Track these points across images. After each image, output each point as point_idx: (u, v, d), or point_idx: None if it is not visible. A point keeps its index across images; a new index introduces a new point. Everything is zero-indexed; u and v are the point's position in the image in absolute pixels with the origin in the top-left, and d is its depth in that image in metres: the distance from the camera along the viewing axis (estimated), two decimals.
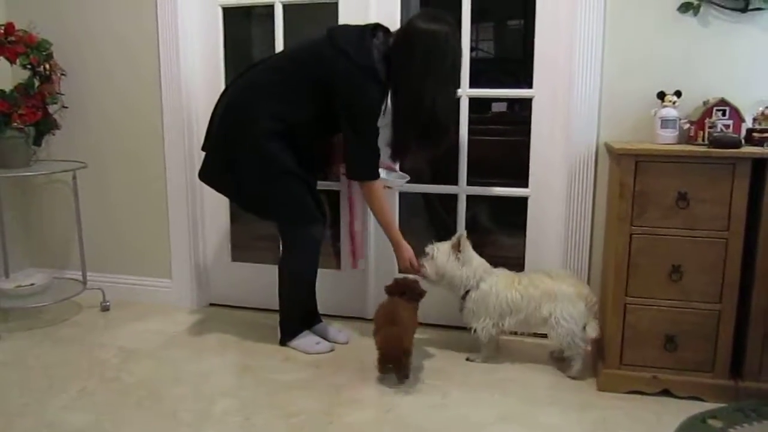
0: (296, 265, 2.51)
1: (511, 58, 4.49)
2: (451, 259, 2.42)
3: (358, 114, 2.29)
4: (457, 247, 2.42)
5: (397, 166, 2.64)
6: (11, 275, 3.13)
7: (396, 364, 2.28)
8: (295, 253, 2.49)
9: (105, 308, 3.05)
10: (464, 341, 2.59)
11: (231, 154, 2.37)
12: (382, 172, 2.49)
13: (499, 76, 4.23)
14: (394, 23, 2.55)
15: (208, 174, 2.50)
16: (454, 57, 2.30)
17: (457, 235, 2.44)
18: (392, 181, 2.61)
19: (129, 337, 2.75)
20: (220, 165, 2.41)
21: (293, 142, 2.35)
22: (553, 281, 2.35)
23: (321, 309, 2.73)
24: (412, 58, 2.25)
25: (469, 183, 2.76)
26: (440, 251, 2.45)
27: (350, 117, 2.29)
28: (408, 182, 2.69)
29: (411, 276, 2.49)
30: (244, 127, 2.33)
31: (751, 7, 2.31)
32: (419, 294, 2.45)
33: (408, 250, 2.47)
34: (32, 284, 2.97)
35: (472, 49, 2.72)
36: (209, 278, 3.13)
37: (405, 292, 2.43)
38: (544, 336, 2.55)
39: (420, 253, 2.48)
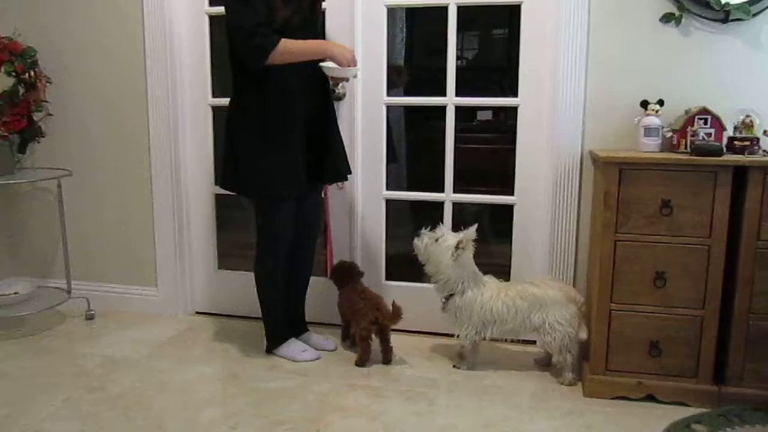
0: (265, 267, 2.51)
1: (497, 66, 4.53)
2: (449, 255, 2.38)
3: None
4: (461, 246, 2.38)
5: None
6: None
7: (383, 333, 2.50)
8: (264, 253, 2.49)
9: (90, 317, 3.03)
10: (451, 348, 2.60)
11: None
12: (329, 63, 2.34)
13: (485, 85, 4.27)
14: (380, 55, 2.57)
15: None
16: None
17: (466, 233, 2.39)
18: (344, 70, 2.35)
19: (114, 346, 2.73)
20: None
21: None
22: (540, 289, 2.36)
23: (307, 317, 2.72)
24: None
25: (456, 191, 2.77)
26: (445, 243, 2.39)
27: (225, 6, 2.25)
28: (356, 77, 2.52)
29: (347, 261, 2.67)
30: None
31: (731, 18, 2.35)
32: (360, 273, 2.65)
33: (339, 45, 2.39)
34: (15, 293, 2.94)
35: (457, 58, 2.74)
36: (195, 286, 3.11)
37: (351, 274, 2.62)
38: (530, 342, 2.57)
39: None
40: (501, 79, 2.71)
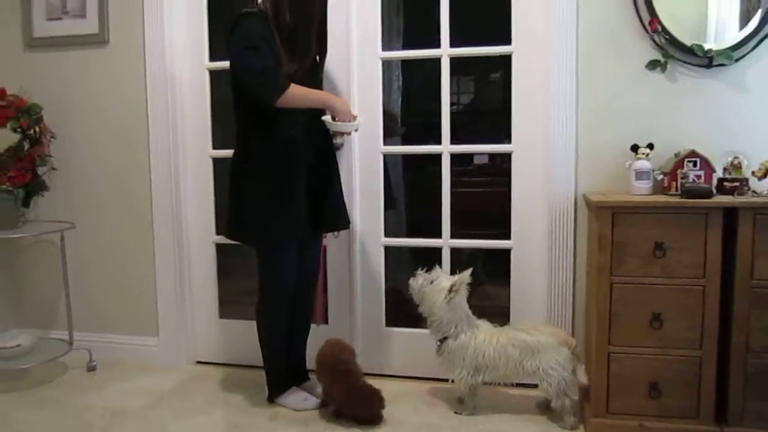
0: (267, 314, 2.53)
1: (493, 110, 4.61)
2: (442, 297, 2.41)
3: (233, 46, 2.30)
4: (454, 289, 2.41)
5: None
6: None
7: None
8: (266, 301, 2.52)
9: (91, 368, 3.04)
10: (451, 393, 2.60)
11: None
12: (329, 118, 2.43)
13: (481, 128, 4.35)
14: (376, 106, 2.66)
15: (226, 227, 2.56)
16: None
17: (460, 277, 2.42)
18: (346, 125, 2.45)
19: (115, 397, 2.73)
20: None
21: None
22: (531, 335, 2.36)
23: (308, 364, 2.73)
24: None
25: (454, 234, 2.81)
26: (439, 285, 2.42)
27: (231, 56, 2.31)
28: (356, 131, 2.60)
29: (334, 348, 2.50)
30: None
31: (715, 63, 2.42)
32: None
33: (340, 99, 2.50)
34: (18, 345, 2.95)
35: (453, 104, 2.80)
36: (196, 336, 3.13)
37: (337, 363, 2.45)
38: (531, 386, 2.57)
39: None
40: (497, 122, 2.77)
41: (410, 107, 4.22)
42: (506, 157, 2.76)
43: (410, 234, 3.90)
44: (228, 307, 3.14)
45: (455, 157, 2.80)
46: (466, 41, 2.76)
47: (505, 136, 2.74)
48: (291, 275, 2.48)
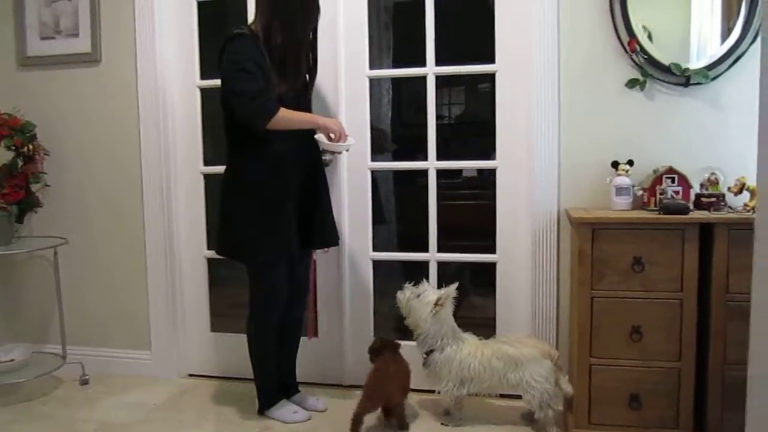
0: (258, 328, 2.58)
1: (480, 120, 4.66)
2: (428, 310, 2.46)
3: (224, 68, 2.37)
4: (440, 303, 2.46)
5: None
6: None
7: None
8: (256, 315, 2.57)
9: (84, 382, 3.07)
10: (438, 405, 2.65)
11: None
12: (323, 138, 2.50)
13: (469, 138, 4.41)
14: (364, 124, 2.71)
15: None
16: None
17: (446, 291, 2.47)
18: (338, 145, 2.51)
19: (108, 411, 2.77)
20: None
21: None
22: (514, 348, 2.42)
23: (298, 377, 2.78)
24: (262, 8, 2.42)
25: (443, 246, 2.87)
26: (426, 298, 2.48)
27: (222, 78, 2.38)
28: (348, 151, 2.66)
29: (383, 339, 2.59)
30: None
31: (692, 82, 2.50)
32: (396, 345, 2.57)
33: (331, 119, 2.57)
34: (12, 360, 2.99)
35: (440, 118, 2.85)
36: (188, 349, 3.17)
37: (387, 346, 2.54)
38: (516, 397, 2.62)
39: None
40: (487, 133, 2.82)
41: (400, 120, 4.28)
42: (494, 171, 2.82)
43: (401, 247, 3.96)
44: (219, 320, 3.18)
45: (444, 170, 2.87)
46: (453, 58, 2.82)
47: (494, 148, 2.80)
48: (281, 290, 2.53)
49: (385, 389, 2.44)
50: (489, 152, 2.86)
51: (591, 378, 2.31)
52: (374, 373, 2.47)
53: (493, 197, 2.82)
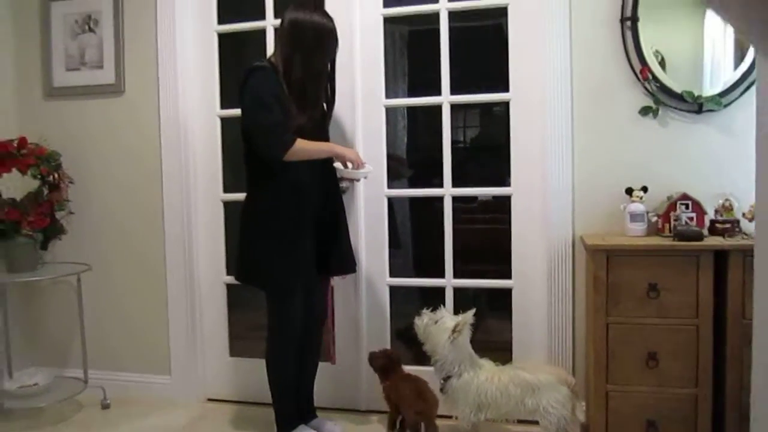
0: (276, 354, 2.61)
1: (498, 144, 4.69)
2: (446, 336, 2.48)
3: (244, 101, 2.43)
4: (457, 329, 2.47)
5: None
6: (14, 375, 3.20)
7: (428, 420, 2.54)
8: (275, 341, 2.59)
9: (105, 406, 3.12)
10: (457, 430, 2.65)
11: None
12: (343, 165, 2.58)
13: (486, 163, 4.44)
14: (380, 152, 2.77)
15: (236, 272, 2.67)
16: (316, 31, 2.44)
17: (464, 317, 2.48)
18: (356, 172, 2.60)
19: None
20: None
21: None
22: (531, 374, 2.43)
23: (315, 401, 2.80)
24: (282, 42, 2.46)
25: (459, 270, 2.89)
26: (443, 325, 2.49)
27: (242, 110, 2.45)
28: (366, 178, 2.73)
29: (387, 350, 2.69)
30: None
31: (704, 109, 2.53)
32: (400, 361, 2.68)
33: (348, 147, 2.64)
34: (35, 384, 3.04)
35: (453, 141, 2.90)
36: (207, 374, 3.21)
37: (393, 364, 2.63)
38: (533, 423, 2.62)
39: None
40: (502, 156, 2.86)
41: (416, 144, 4.32)
42: (509, 197, 2.85)
43: (417, 272, 3.99)
44: (238, 344, 3.22)
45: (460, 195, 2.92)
46: (467, 85, 2.87)
47: (509, 173, 2.84)
48: (299, 316, 2.57)
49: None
50: (504, 176, 2.91)
51: (608, 404, 2.32)
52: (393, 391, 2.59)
53: (508, 221, 2.85)
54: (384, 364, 2.66)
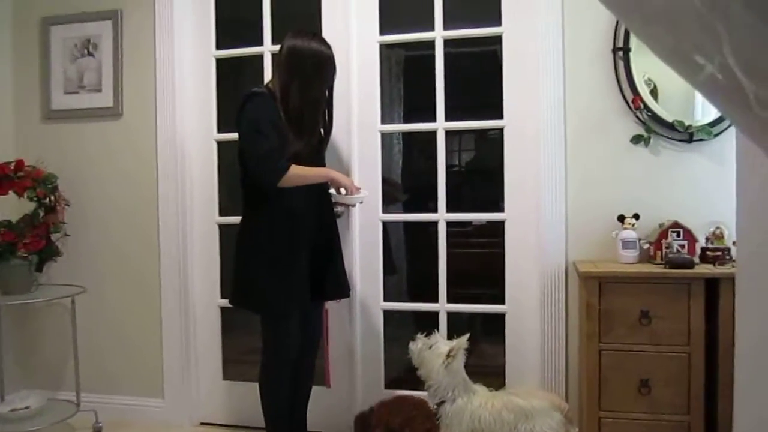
0: (270, 378, 2.61)
1: (493, 167, 4.72)
2: (440, 362, 2.48)
3: (241, 126, 2.45)
4: (451, 354, 2.47)
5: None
6: (6, 398, 3.18)
7: None
8: (269, 365, 2.59)
9: (97, 429, 3.09)
10: None
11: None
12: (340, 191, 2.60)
13: (482, 187, 4.47)
14: (375, 177, 2.81)
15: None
16: (314, 59, 2.48)
17: (458, 342, 2.48)
18: (351, 198, 2.64)
19: None
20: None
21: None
22: (524, 399, 2.43)
23: (309, 425, 2.79)
24: (280, 69, 2.49)
25: (452, 294, 2.91)
26: (438, 350, 2.49)
27: (238, 136, 2.47)
28: (361, 203, 2.77)
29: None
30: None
31: (695, 138, 2.57)
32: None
33: (341, 173, 2.64)
34: (27, 407, 3.01)
35: (448, 166, 2.93)
36: (201, 397, 3.20)
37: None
38: None
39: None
40: (494, 180, 2.89)
41: (411, 169, 4.35)
42: (503, 222, 2.87)
43: (412, 295, 3.99)
44: (232, 367, 3.21)
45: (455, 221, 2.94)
46: (463, 110, 2.91)
47: (503, 198, 2.86)
48: (293, 341, 2.57)
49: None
50: (498, 200, 2.94)
51: (600, 430, 2.33)
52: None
53: (502, 246, 2.87)
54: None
